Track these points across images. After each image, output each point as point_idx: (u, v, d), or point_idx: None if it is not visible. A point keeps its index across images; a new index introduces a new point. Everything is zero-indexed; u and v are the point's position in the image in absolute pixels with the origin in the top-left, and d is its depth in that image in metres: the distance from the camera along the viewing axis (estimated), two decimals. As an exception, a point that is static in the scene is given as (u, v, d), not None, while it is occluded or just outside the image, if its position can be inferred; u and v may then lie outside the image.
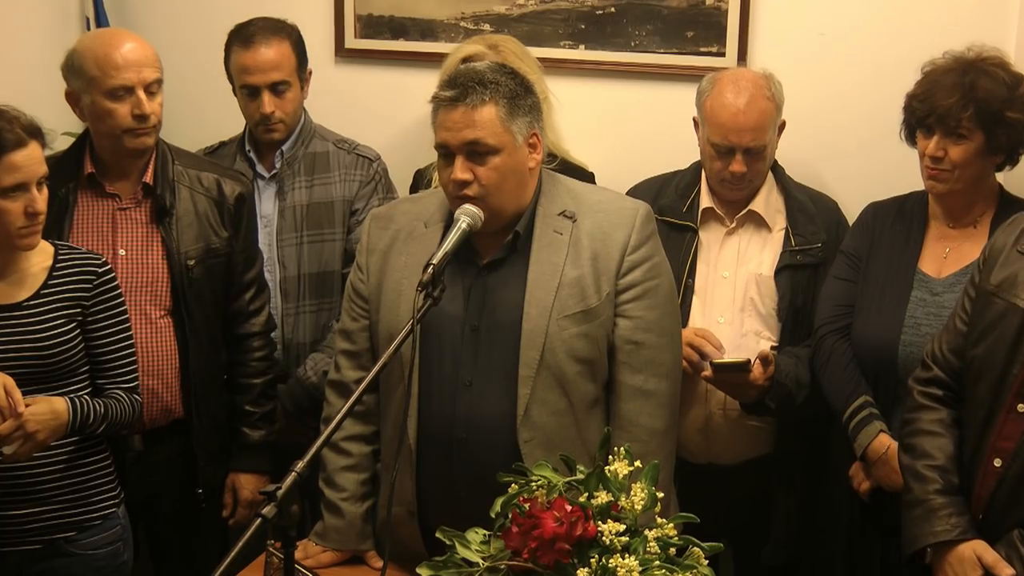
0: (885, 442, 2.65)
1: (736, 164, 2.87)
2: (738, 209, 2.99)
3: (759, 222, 2.99)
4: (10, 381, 2.38)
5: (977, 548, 2.23)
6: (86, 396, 2.54)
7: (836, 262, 2.89)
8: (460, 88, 2.30)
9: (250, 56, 3.08)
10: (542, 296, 2.34)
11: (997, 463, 2.20)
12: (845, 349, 2.78)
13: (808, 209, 2.98)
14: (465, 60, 3.11)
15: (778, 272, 2.93)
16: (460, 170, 2.30)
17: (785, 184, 3.02)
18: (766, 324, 2.95)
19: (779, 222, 2.99)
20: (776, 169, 3.04)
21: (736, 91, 2.87)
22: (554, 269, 2.36)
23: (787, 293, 2.92)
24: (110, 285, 2.59)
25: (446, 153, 2.33)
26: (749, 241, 2.99)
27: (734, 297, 2.94)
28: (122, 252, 2.78)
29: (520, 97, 2.33)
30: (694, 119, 3.01)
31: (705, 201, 3.00)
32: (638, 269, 2.39)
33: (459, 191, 2.31)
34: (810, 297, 2.93)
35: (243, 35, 3.11)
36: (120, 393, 2.60)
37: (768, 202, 2.99)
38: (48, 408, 2.44)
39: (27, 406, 2.38)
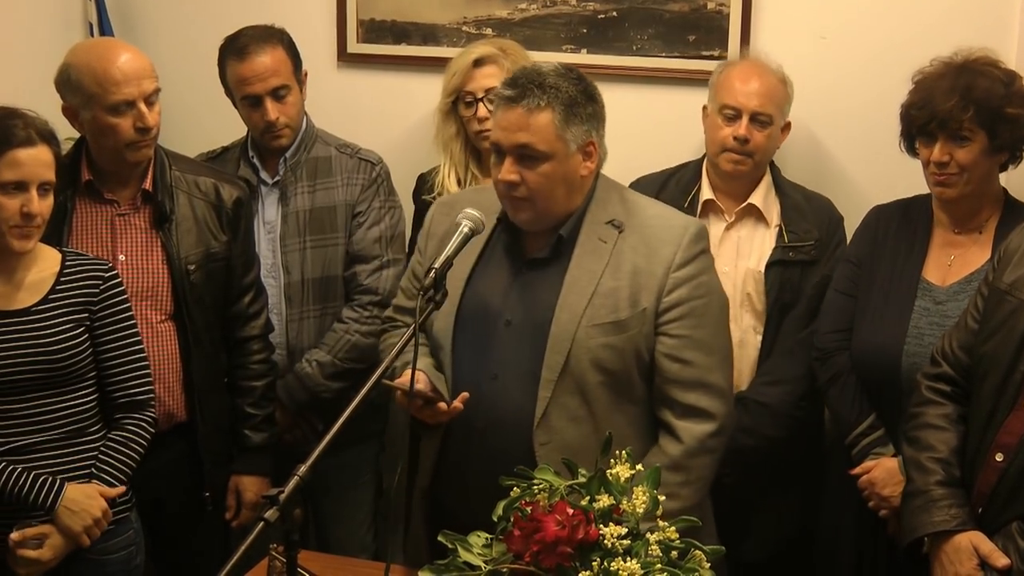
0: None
1: (742, 127, 2.93)
2: (738, 203, 3.03)
3: (758, 216, 3.04)
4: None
5: (974, 539, 2.24)
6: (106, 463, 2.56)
7: (839, 273, 2.88)
8: (519, 88, 2.29)
9: (247, 66, 3.06)
10: (575, 301, 2.33)
11: (999, 458, 2.22)
12: (852, 367, 2.78)
13: (802, 207, 3.03)
14: (477, 61, 3.14)
15: (768, 267, 2.97)
16: (508, 171, 2.31)
17: (780, 183, 3.08)
18: (760, 320, 2.99)
19: (775, 219, 3.03)
20: (773, 168, 3.09)
21: (750, 64, 3.05)
22: (591, 276, 2.35)
23: (774, 289, 2.97)
24: (117, 290, 2.60)
25: (499, 151, 2.33)
26: (748, 236, 3.03)
27: (733, 293, 2.93)
28: (122, 258, 2.78)
29: (579, 105, 2.31)
30: (704, 107, 3.06)
31: (706, 194, 3.04)
32: (684, 287, 2.35)
33: (507, 191, 2.33)
34: (799, 293, 2.97)
35: (235, 47, 3.08)
36: (130, 431, 2.60)
37: (767, 198, 3.04)
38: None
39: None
